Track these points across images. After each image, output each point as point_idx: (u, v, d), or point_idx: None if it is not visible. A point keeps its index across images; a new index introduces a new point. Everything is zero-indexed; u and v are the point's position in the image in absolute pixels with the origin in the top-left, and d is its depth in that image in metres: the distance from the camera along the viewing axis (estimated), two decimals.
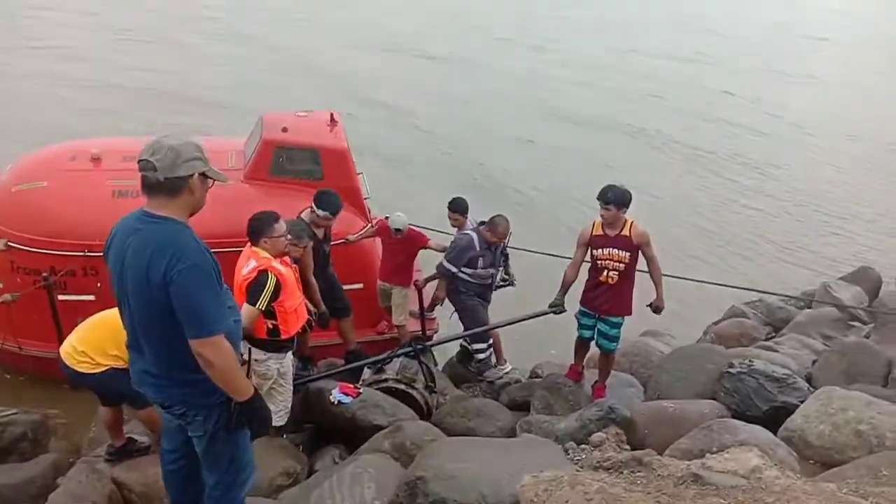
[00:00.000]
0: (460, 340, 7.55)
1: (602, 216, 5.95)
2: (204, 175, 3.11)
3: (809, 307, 8.89)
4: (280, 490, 4.82)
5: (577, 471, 4.33)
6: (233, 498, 3.41)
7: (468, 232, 7.00)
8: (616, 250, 5.92)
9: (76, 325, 5.24)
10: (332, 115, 8.25)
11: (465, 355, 7.69)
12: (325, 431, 5.85)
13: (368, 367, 6.50)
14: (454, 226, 7.30)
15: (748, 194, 15.49)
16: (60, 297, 6.71)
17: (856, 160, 17.82)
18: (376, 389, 5.99)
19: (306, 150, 7.70)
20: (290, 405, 5.43)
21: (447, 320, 7.77)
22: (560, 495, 3.85)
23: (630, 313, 6.23)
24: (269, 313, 4.98)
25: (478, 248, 6.93)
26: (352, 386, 5.79)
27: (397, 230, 7.13)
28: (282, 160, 7.61)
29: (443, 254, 7.50)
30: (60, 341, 5.30)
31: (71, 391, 5.90)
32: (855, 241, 13.65)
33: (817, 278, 10.72)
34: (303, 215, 6.39)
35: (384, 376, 6.17)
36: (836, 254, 12.95)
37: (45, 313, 6.74)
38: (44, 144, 8.58)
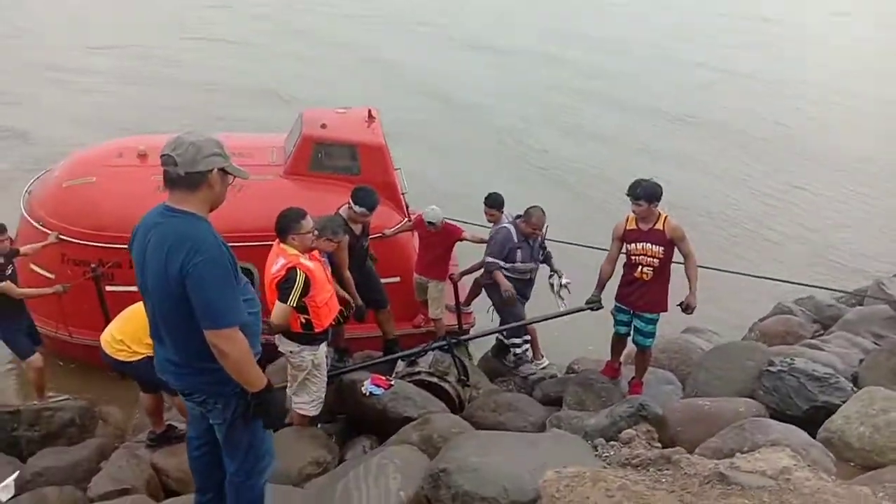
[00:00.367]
0: (496, 334, 7.54)
1: (634, 211, 5.87)
2: (224, 171, 3.17)
3: (861, 304, 8.57)
4: (309, 479, 4.89)
5: (603, 467, 4.29)
6: (252, 485, 3.49)
7: (505, 225, 6.99)
8: (649, 245, 5.84)
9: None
10: (369, 111, 8.34)
11: (501, 349, 7.68)
12: (358, 422, 5.92)
13: (402, 360, 6.54)
14: (490, 221, 7.30)
15: (801, 186, 15.03)
16: (108, 288, 6.97)
17: None
18: (409, 382, 6.04)
19: (344, 147, 7.81)
20: (323, 395, 5.51)
21: (484, 314, 7.76)
22: (581, 491, 3.82)
23: (665, 310, 6.13)
24: (301, 308, 5.05)
25: (515, 241, 6.91)
26: (384, 378, 5.85)
27: (430, 223, 7.16)
28: (320, 156, 7.73)
29: (479, 244, 7.52)
30: None
31: (118, 379, 6.09)
32: None
33: (870, 275, 10.36)
34: (341, 211, 6.47)
35: (417, 369, 6.21)
36: (890, 250, 12.43)
37: (93, 303, 7.01)
38: (115, 138, 8.94)
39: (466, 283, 8.42)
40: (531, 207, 6.92)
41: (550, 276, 7.14)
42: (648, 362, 6.50)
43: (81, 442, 6.02)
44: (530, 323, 7.09)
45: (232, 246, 6.62)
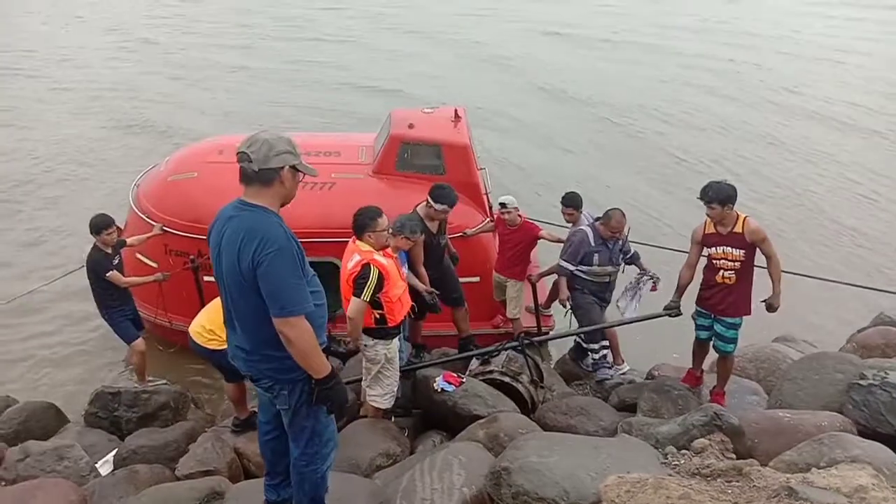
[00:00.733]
0: (574, 337, 7.47)
1: (708, 215, 5.70)
2: (295, 168, 3.33)
3: None
4: (378, 469, 5.05)
5: (669, 475, 4.21)
6: (314, 470, 3.64)
7: (582, 227, 6.92)
8: (730, 248, 5.65)
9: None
10: (456, 111, 8.45)
11: (580, 352, 7.61)
12: (430, 417, 6.04)
13: (477, 359, 6.60)
14: (568, 221, 7.25)
15: None
16: (206, 279, 7.38)
17: None
18: (481, 380, 6.10)
19: (430, 146, 7.94)
20: (395, 389, 5.66)
21: (562, 317, 7.71)
22: (641, 498, 3.77)
23: (749, 313, 5.91)
24: (375, 304, 5.21)
25: (592, 244, 6.81)
26: (455, 375, 5.93)
27: (502, 205, 7.25)
28: (407, 155, 7.90)
29: (556, 243, 7.48)
30: None
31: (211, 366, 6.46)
32: None
33: None
34: (418, 209, 6.59)
35: (490, 368, 6.26)
36: None
37: (192, 292, 7.43)
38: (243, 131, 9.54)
39: (547, 285, 8.40)
40: (610, 209, 6.82)
41: (640, 277, 7.00)
42: (731, 370, 6.28)
43: (175, 424, 6.42)
44: (605, 327, 6.99)
45: (320, 241, 6.91)
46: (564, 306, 7.03)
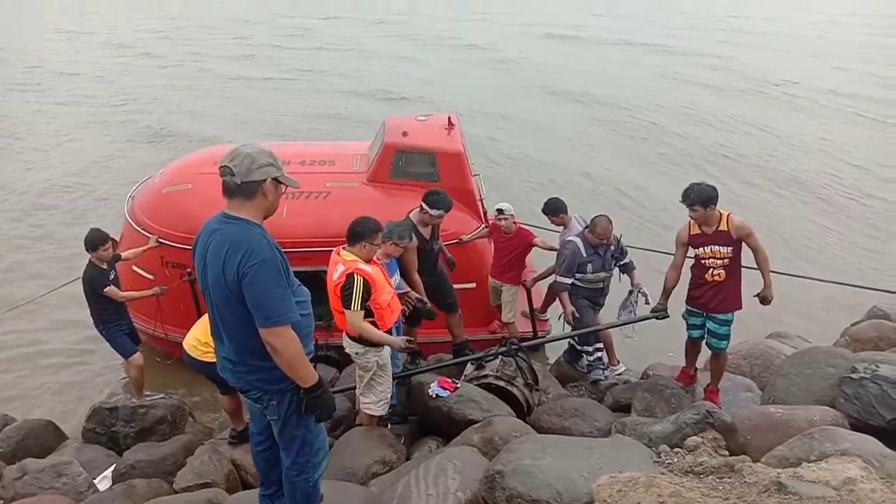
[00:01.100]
0: (569, 339, 7.50)
1: (691, 217, 5.75)
2: (277, 181, 3.37)
3: None
4: (374, 477, 5.06)
5: (661, 473, 4.24)
6: (306, 479, 3.67)
7: (572, 239, 6.91)
8: (717, 247, 5.71)
9: None
10: (449, 118, 8.48)
11: (574, 355, 7.63)
12: (426, 423, 6.06)
13: (472, 364, 6.63)
14: (558, 225, 7.29)
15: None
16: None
17: None
18: (476, 385, 6.12)
19: (424, 154, 7.97)
20: (389, 395, 5.67)
21: (556, 319, 7.74)
22: (633, 497, 3.80)
23: (740, 308, 5.97)
24: (365, 311, 5.23)
25: (584, 255, 6.82)
26: (450, 381, 5.96)
27: (499, 210, 7.29)
28: (401, 163, 7.93)
29: (549, 251, 7.52)
30: None
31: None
32: None
33: None
34: (411, 216, 6.63)
35: (484, 372, 6.28)
36: None
37: (189, 304, 7.44)
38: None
39: (542, 289, 8.43)
40: (596, 216, 6.83)
41: (631, 294, 6.90)
42: (724, 367, 6.31)
43: (172, 437, 6.44)
44: (596, 330, 7.01)
45: (316, 250, 6.91)
46: (570, 323, 6.97)
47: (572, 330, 7.15)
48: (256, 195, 3.32)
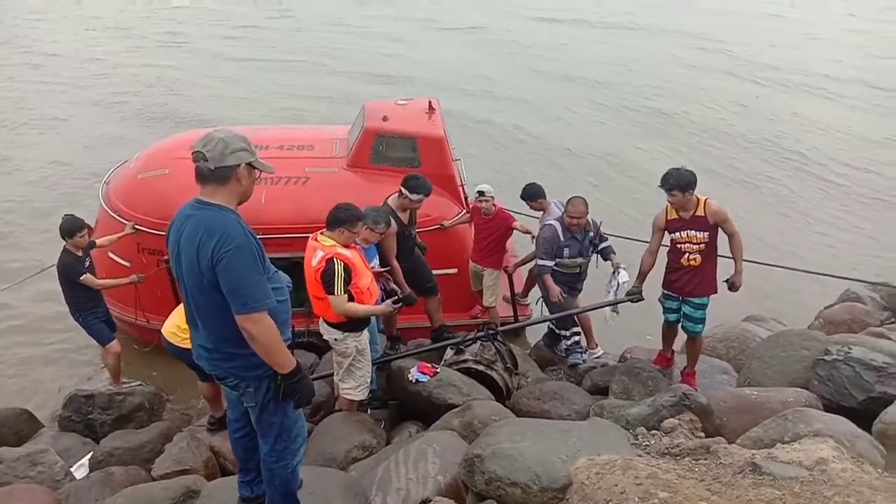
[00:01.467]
0: (548, 323, 7.55)
1: (669, 202, 5.79)
2: (251, 166, 3.34)
3: None
4: (354, 462, 5.06)
5: (638, 455, 4.29)
6: (284, 466, 3.66)
7: (551, 222, 6.93)
8: (694, 231, 5.77)
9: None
10: (430, 102, 8.40)
11: (553, 338, 7.68)
12: (406, 408, 6.07)
13: (451, 348, 6.65)
14: (537, 210, 7.30)
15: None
16: None
17: None
18: (456, 370, 6.14)
19: (404, 139, 7.89)
20: (369, 380, 5.68)
21: (534, 304, 7.78)
22: (610, 479, 3.84)
23: (716, 292, 6.04)
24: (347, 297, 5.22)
25: (562, 238, 6.83)
26: (430, 365, 5.97)
27: (480, 192, 7.31)
28: (381, 148, 7.85)
29: (528, 235, 7.53)
30: None
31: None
32: None
33: None
34: (389, 201, 6.60)
35: (464, 357, 6.30)
36: None
37: (167, 291, 7.34)
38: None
39: (523, 275, 8.46)
40: (571, 197, 6.84)
41: (614, 274, 6.81)
42: (700, 350, 6.40)
43: (150, 425, 6.40)
44: (573, 313, 7.05)
45: (295, 236, 6.85)
46: (560, 303, 6.94)
47: (550, 314, 7.19)
48: (230, 181, 3.28)
